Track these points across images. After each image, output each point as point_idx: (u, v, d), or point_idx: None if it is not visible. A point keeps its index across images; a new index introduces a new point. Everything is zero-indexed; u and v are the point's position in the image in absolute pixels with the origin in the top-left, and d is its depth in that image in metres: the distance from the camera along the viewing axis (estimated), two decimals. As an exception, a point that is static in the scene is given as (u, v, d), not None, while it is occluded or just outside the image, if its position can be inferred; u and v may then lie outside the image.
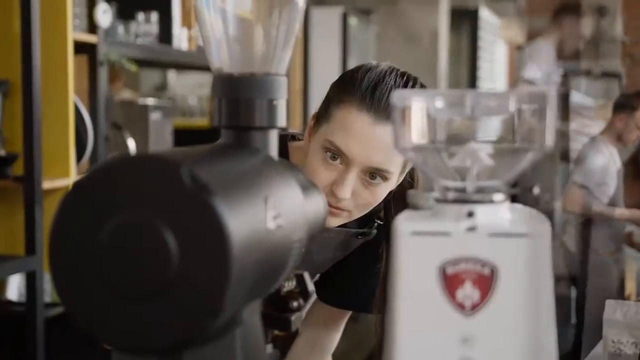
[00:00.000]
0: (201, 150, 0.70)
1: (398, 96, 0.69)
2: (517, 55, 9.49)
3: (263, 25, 0.79)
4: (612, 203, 4.09)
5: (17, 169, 2.33)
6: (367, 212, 1.27)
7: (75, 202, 0.61)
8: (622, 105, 4.19)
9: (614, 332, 1.85)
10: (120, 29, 2.84)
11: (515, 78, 4.21)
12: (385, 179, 1.21)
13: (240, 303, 0.64)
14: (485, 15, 7.18)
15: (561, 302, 4.01)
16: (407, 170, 1.30)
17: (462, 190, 0.69)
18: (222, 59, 0.78)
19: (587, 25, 4.27)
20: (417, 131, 0.69)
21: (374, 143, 1.18)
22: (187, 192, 0.58)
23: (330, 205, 1.21)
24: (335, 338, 1.55)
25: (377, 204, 1.26)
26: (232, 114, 0.77)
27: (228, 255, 0.58)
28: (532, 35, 9.61)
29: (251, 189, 0.65)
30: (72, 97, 2.41)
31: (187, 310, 0.58)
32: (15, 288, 2.51)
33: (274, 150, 0.78)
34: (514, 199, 0.71)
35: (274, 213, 0.67)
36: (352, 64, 5.54)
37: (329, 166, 1.21)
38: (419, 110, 0.69)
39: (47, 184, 2.35)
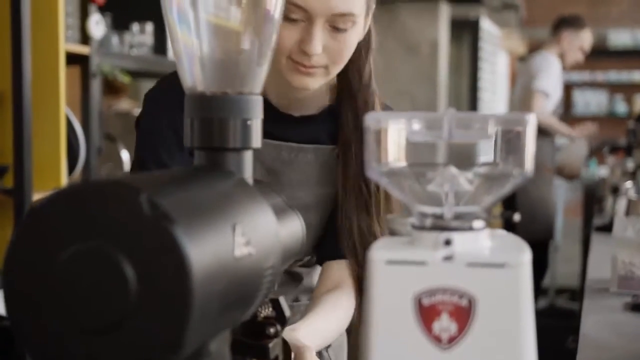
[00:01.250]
0: (168, 175, 0.67)
1: (372, 118, 0.66)
2: (519, 66, 9.48)
3: (237, 42, 0.76)
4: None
5: (7, 181, 2.30)
6: (343, 64, 1.22)
7: (31, 227, 0.58)
8: (570, 23, 4.26)
9: (625, 252, 1.74)
10: (115, 39, 2.81)
11: (526, 90, 4.21)
12: (352, 23, 1.17)
13: (206, 335, 0.62)
14: (486, 25, 7.16)
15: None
16: (371, 12, 1.25)
17: (440, 217, 0.66)
18: (194, 77, 0.76)
19: (587, 38, 4.30)
20: (392, 154, 0.67)
21: None
22: (146, 220, 0.56)
23: (304, 66, 1.18)
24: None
25: (350, 54, 1.21)
26: (205, 135, 0.74)
27: (189, 287, 0.55)
28: (533, 46, 9.61)
29: (218, 216, 0.63)
30: (63, 109, 2.39)
31: (146, 344, 0.55)
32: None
33: (248, 171, 0.75)
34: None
35: (243, 240, 0.64)
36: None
37: (292, 26, 1.16)
38: (394, 133, 0.66)
39: (37, 196, 2.32)
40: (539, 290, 4.60)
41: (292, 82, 1.21)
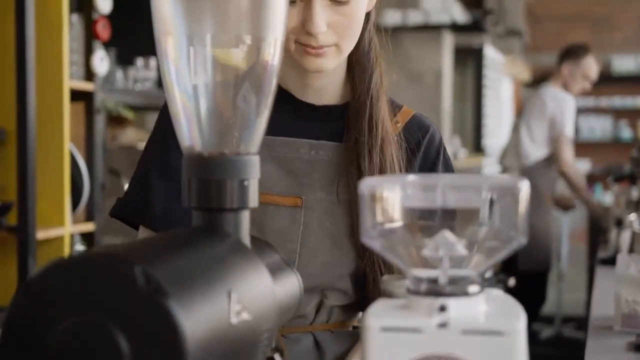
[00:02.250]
0: (163, 241, 0.67)
1: (366, 184, 0.66)
2: (523, 92, 9.51)
3: (234, 103, 0.77)
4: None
5: (11, 218, 2.31)
6: (355, 40, 1.16)
7: (26, 301, 0.58)
8: (569, 54, 4.28)
9: (628, 290, 1.72)
10: (119, 74, 2.83)
11: (554, 135, 4.21)
12: None
13: (201, 403, 0.62)
14: (490, 53, 7.18)
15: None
16: None
17: (435, 281, 0.66)
18: (192, 138, 0.76)
19: (589, 66, 4.32)
20: (386, 219, 0.67)
21: None
22: (141, 294, 0.56)
23: (312, 47, 1.13)
24: None
25: (359, 26, 1.16)
26: (202, 195, 0.74)
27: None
28: (537, 72, 9.64)
29: (213, 284, 0.63)
30: (67, 146, 2.40)
31: (141, 418, 0.55)
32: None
33: (245, 231, 0.76)
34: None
35: (238, 307, 0.64)
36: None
37: (292, 8, 1.11)
38: (388, 198, 0.66)
39: (41, 234, 2.32)
40: (536, 320, 4.57)
41: (304, 66, 1.15)
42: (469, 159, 6.31)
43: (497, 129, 7.92)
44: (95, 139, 2.56)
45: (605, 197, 5.69)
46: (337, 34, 1.13)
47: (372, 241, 0.67)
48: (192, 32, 0.75)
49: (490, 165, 7.11)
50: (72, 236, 2.53)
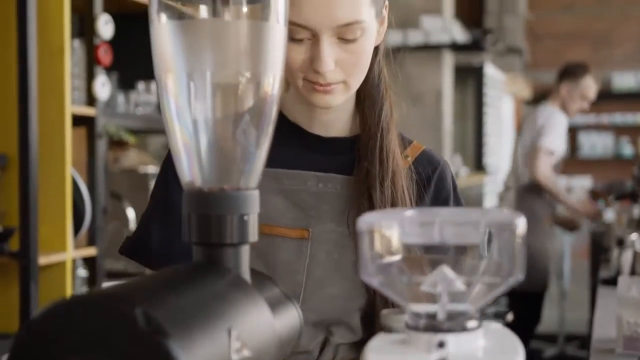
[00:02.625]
0: (163, 279, 0.68)
1: (364, 221, 0.67)
2: (524, 109, 9.53)
3: (234, 138, 0.77)
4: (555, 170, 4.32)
5: (13, 244, 2.31)
6: (363, 75, 1.16)
7: (29, 340, 0.59)
8: (567, 74, 4.29)
9: (629, 312, 1.71)
10: (121, 98, 2.85)
11: (534, 147, 4.23)
12: (361, 31, 1.11)
13: None
14: (490, 71, 7.21)
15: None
16: (384, 9, 1.18)
17: (433, 316, 0.67)
18: (192, 173, 0.77)
19: (588, 85, 4.33)
20: (385, 256, 0.67)
21: (329, 1, 1.08)
22: (142, 334, 0.56)
23: (320, 84, 1.12)
24: None
25: (367, 63, 1.15)
26: (202, 231, 0.75)
27: (184, 400, 0.56)
28: (537, 89, 9.67)
29: (213, 322, 0.63)
30: (69, 171, 2.41)
31: None
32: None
33: (245, 265, 0.76)
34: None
35: (238, 344, 0.65)
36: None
37: (298, 46, 1.10)
38: (387, 235, 0.67)
39: (43, 260, 2.33)
40: (531, 338, 4.54)
41: (313, 102, 1.15)
42: (470, 177, 6.32)
43: (498, 147, 7.94)
44: (96, 164, 2.57)
45: (608, 214, 5.69)
46: (345, 71, 1.13)
47: (371, 277, 0.68)
48: (192, 69, 0.76)
49: (491, 184, 7.12)
50: (74, 261, 2.54)
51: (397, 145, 1.22)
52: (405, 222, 0.67)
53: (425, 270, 0.68)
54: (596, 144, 9.98)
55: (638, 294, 1.80)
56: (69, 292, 2.42)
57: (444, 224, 0.66)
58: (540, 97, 9.74)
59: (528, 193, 4.28)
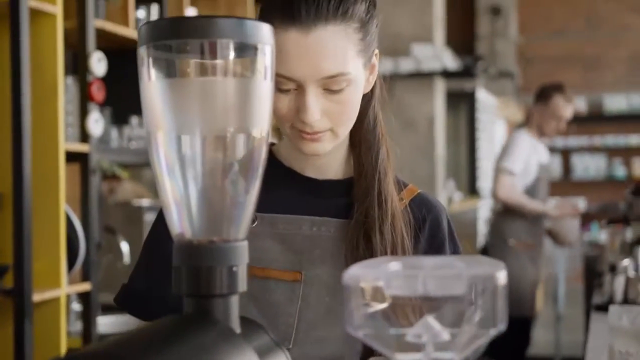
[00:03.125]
0: (152, 332, 0.69)
1: (349, 276, 0.69)
2: (517, 133, 9.58)
3: (223, 191, 0.79)
4: (529, 196, 4.25)
5: (7, 281, 2.32)
6: (351, 123, 1.16)
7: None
8: (539, 97, 4.30)
9: (621, 342, 1.71)
10: (114, 133, 2.87)
11: (495, 168, 4.27)
12: (346, 82, 1.11)
13: None
14: (482, 96, 7.25)
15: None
16: (374, 57, 1.18)
17: (419, 367, 0.68)
18: (182, 226, 0.79)
19: (558, 105, 4.30)
20: (370, 307, 0.69)
21: (313, 54, 1.09)
22: (132, 394, 0.58)
23: (307, 133, 1.13)
24: None
25: (354, 111, 1.15)
26: (192, 282, 0.76)
27: None
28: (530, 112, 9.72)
29: (203, 376, 0.65)
30: (63, 207, 2.42)
31: None
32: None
33: (234, 315, 0.78)
34: None
35: (227, 398, 0.66)
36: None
37: (285, 96, 1.12)
38: (371, 288, 0.69)
39: (37, 296, 2.33)
40: None
41: (301, 149, 1.16)
42: (464, 202, 6.34)
43: (491, 170, 7.97)
44: (90, 199, 2.58)
45: (601, 235, 5.71)
46: (331, 120, 1.14)
47: (357, 330, 0.69)
48: (181, 126, 0.78)
49: (485, 208, 7.14)
50: (68, 297, 2.54)
51: (394, 188, 1.23)
52: (391, 276, 0.69)
53: (410, 320, 0.70)
54: (589, 166, 10.02)
55: (629, 324, 1.81)
56: (63, 328, 2.42)
57: (428, 277, 0.68)
58: (532, 120, 9.81)
59: (500, 218, 4.31)
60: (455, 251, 1.26)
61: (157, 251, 1.22)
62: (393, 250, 1.18)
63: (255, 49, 0.78)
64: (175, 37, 0.76)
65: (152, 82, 0.77)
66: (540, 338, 6.42)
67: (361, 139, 1.24)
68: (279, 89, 1.11)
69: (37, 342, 2.34)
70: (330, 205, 1.23)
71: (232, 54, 0.77)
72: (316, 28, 1.08)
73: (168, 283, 1.19)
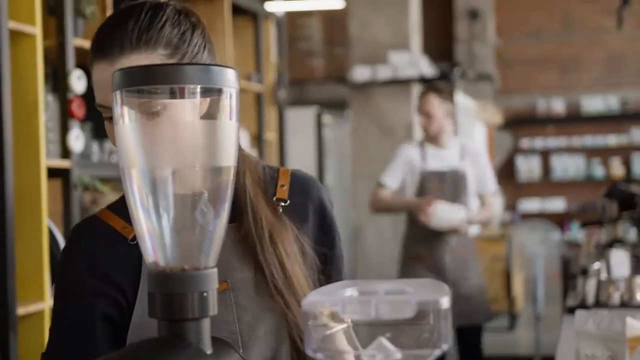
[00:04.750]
0: (129, 355, 0.76)
1: (308, 302, 0.75)
2: (496, 135, 9.68)
3: (193, 222, 0.86)
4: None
5: (-9, 295, 2.37)
6: None
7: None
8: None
9: (587, 345, 1.77)
10: (95, 147, 2.92)
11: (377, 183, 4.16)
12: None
13: None
14: (461, 99, 7.33)
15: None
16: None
17: (373, 385, 0.75)
18: (155, 254, 0.85)
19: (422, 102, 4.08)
20: (328, 332, 0.76)
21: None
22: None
23: None
24: None
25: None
26: (166, 308, 0.83)
27: None
28: (508, 115, 9.82)
29: (175, 398, 0.71)
30: (45, 222, 2.47)
31: None
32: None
33: (206, 337, 0.84)
34: None
35: (198, 416, 0.73)
36: (328, 159, 5.67)
37: (111, 125, 1.18)
38: (328, 313, 0.75)
39: (21, 310, 2.38)
40: None
41: None
42: (444, 205, 6.41)
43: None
44: (72, 214, 2.64)
45: (580, 235, 5.80)
46: None
47: (315, 352, 0.76)
48: (152, 163, 0.84)
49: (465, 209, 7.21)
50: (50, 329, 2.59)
51: (264, 203, 1.28)
52: (346, 302, 0.76)
53: (365, 342, 0.76)
54: (568, 167, 10.15)
55: (595, 328, 1.87)
56: (47, 340, 2.47)
57: (380, 302, 0.75)
58: (512, 122, 9.92)
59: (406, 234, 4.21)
60: (331, 231, 1.33)
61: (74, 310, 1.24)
62: (283, 262, 1.25)
63: (220, 91, 0.84)
64: (146, 83, 0.83)
65: (125, 125, 0.83)
66: (521, 337, 6.51)
67: None
68: (105, 118, 1.20)
69: (22, 356, 2.39)
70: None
71: (199, 97, 0.84)
72: (120, 59, 1.17)
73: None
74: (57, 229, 2.57)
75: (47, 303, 2.48)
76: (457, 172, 4.05)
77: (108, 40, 1.17)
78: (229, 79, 0.85)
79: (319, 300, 0.76)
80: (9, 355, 2.30)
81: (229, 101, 0.85)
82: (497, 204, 4.03)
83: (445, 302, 0.74)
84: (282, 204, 1.29)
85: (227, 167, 0.86)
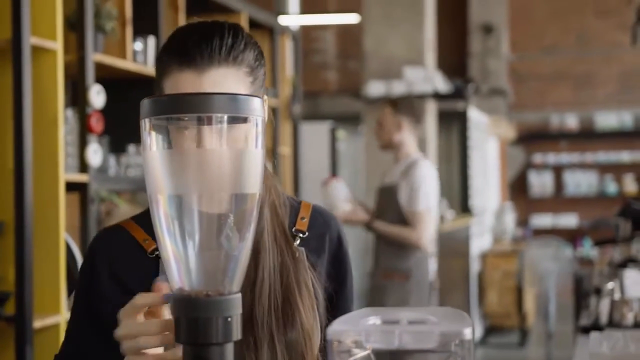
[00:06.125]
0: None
1: (332, 331, 0.77)
2: (509, 150, 9.67)
3: (218, 248, 0.87)
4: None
5: (9, 308, 2.39)
6: None
7: None
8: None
9: None
10: (112, 161, 2.94)
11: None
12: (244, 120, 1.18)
13: None
14: (475, 115, 7.34)
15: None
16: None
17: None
18: (181, 280, 0.86)
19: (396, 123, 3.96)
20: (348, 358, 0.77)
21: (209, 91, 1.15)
22: None
23: None
24: None
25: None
26: (190, 332, 0.84)
27: None
28: (522, 130, 9.80)
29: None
30: (63, 236, 2.50)
31: None
32: None
33: (229, 361, 0.85)
34: None
35: None
36: (341, 174, 5.68)
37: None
38: (353, 342, 0.77)
39: (37, 323, 2.41)
40: None
41: None
42: (457, 220, 6.41)
43: (485, 188, 8.05)
44: (89, 228, 2.66)
45: (592, 252, 5.77)
46: None
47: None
48: (179, 190, 0.86)
49: (477, 225, 7.22)
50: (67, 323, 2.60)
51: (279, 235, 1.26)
52: (370, 331, 0.77)
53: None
54: (581, 182, 10.11)
55: (609, 350, 1.88)
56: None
57: (403, 332, 0.76)
58: (525, 137, 9.91)
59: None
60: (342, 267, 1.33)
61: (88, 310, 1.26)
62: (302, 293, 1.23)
63: (246, 120, 0.86)
64: (175, 112, 0.85)
65: (152, 152, 0.85)
66: (531, 354, 6.49)
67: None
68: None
69: (39, 369, 2.41)
70: None
71: (225, 126, 0.85)
72: (210, 69, 1.16)
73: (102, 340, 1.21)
74: (74, 242, 2.59)
75: (63, 316, 2.50)
76: (391, 188, 3.90)
77: (196, 50, 1.16)
78: (255, 108, 0.86)
79: (344, 330, 0.77)
80: (25, 367, 2.33)
81: (255, 129, 0.87)
82: (427, 225, 3.81)
83: (468, 332, 0.75)
84: (301, 235, 1.28)
85: (252, 194, 0.87)
